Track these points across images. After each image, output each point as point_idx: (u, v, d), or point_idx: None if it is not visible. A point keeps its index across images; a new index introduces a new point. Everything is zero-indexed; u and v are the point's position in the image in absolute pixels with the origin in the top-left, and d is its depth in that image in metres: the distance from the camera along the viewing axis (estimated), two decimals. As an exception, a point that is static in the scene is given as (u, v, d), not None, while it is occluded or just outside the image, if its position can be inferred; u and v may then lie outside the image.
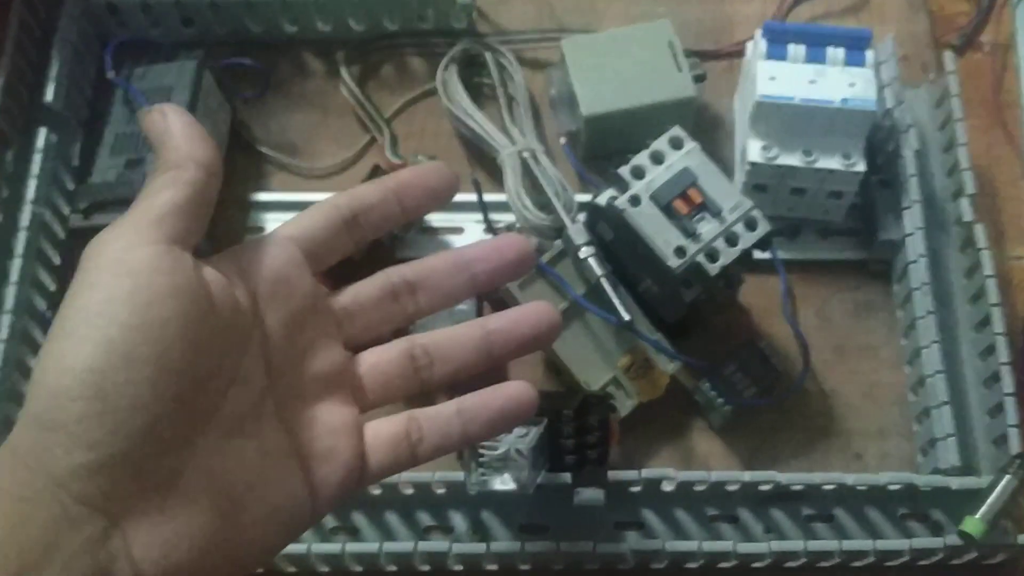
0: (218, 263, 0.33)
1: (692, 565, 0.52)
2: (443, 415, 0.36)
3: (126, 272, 0.29)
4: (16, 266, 0.56)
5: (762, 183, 0.58)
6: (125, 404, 0.28)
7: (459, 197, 0.61)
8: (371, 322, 0.37)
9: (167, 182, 0.32)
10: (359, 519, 0.53)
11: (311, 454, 0.34)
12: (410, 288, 0.37)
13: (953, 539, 0.50)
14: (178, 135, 0.32)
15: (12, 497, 0.27)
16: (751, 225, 0.52)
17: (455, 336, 0.37)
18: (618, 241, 0.54)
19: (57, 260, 0.59)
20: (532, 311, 0.37)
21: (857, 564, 0.52)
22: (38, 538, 0.27)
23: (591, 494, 0.51)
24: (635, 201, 0.52)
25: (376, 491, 0.51)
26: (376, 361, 0.37)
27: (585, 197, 0.58)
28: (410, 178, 0.38)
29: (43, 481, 0.27)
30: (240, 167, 0.63)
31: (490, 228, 0.57)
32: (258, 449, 0.32)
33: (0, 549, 0.26)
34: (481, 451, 0.48)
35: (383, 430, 0.36)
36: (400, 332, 0.38)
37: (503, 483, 0.48)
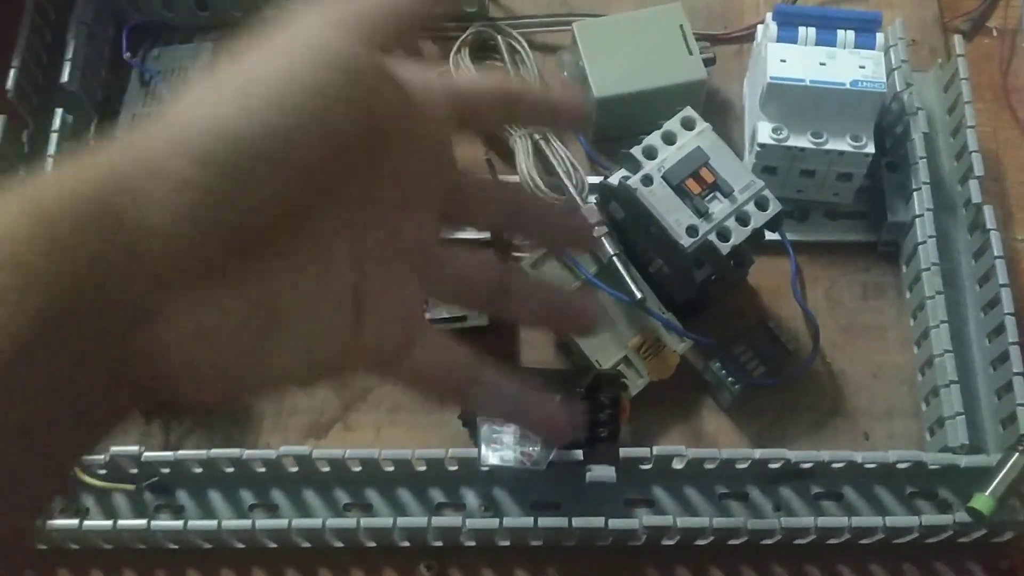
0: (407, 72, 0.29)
1: (702, 542, 0.52)
2: (504, 387, 0.33)
3: (323, 61, 0.26)
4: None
5: (772, 165, 0.58)
6: (252, 195, 0.25)
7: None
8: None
9: None
10: (373, 495, 0.53)
11: (367, 309, 0.30)
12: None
13: (962, 517, 0.50)
14: None
15: (76, 223, 0.24)
16: (762, 205, 0.53)
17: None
18: (630, 221, 0.54)
19: (73, 240, 0.59)
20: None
21: (866, 541, 0.52)
22: (81, 279, 0.23)
23: (603, 471, 0.51)
24: (647, 181, 0.53)
25: (389, 468, 0.52)
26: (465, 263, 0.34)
27: (596, 178, 0.58)
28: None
29: (119, 222, 0.24)
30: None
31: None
32: (318, 278, 0.29)
33: (36, 271, 0.23)
34: (495, 428, 0.49)
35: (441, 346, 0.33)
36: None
37: (515, 460, 0.49)
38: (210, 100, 0.25)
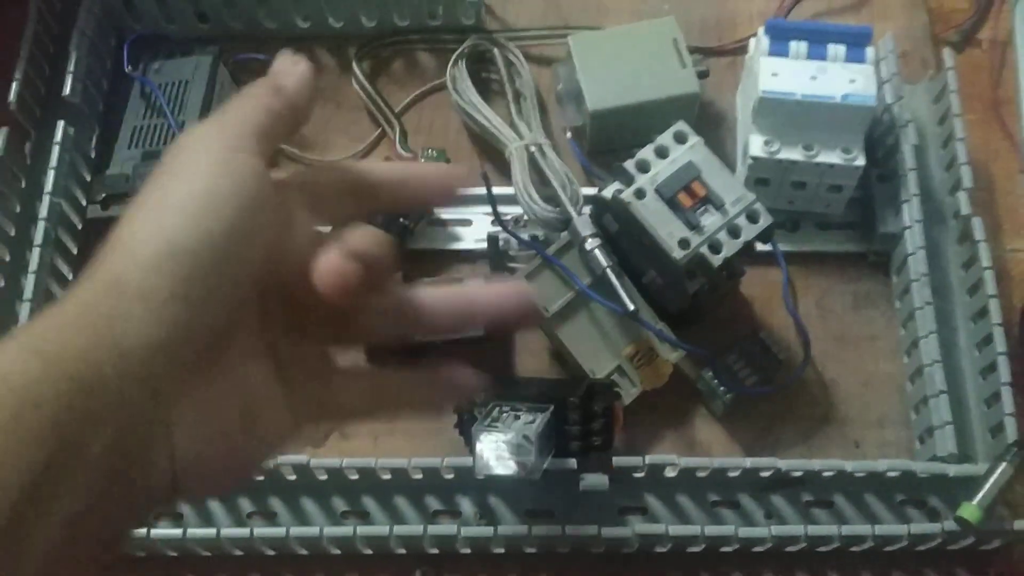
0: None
1: (694, 549, 0.53)
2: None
3: (234, 174, 0.30)
4: (35, 255, 0.57)
5: (764, 177, 0.59)
6: (207, 295, 0.28)
7: (467, 190, 0.63)
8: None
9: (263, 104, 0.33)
10: (370, 503, 0.54)
11: (294, 383, 0.34)
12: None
13: (950, 525, 0.51)
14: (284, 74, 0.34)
15: (75, 355, 0.26)
16: (753, 218, 0.54)
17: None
18: (623, 233, 0.55)
19: (75, 250, 0.60)
20: (513, 290, 0.36)
21: (856, 549, 0.53)
22: (91, 408, 0.26)
23: (596, 479, 0.52)
24: (640, 194, 0.53)
25: (386, 476, 0.53)
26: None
27: (590, 190, 0.59)
28: (425, 174, 0.38)
29: (108, 347, 0.27)
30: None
31: (498, 220, 0.58)
32: (255, 363, 0.32)
33: (50, 406, 0.25)
34: (491, 437, 0.49)
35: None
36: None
37: (510, 468, 0.50)
38: (151, 219, 0.29)
